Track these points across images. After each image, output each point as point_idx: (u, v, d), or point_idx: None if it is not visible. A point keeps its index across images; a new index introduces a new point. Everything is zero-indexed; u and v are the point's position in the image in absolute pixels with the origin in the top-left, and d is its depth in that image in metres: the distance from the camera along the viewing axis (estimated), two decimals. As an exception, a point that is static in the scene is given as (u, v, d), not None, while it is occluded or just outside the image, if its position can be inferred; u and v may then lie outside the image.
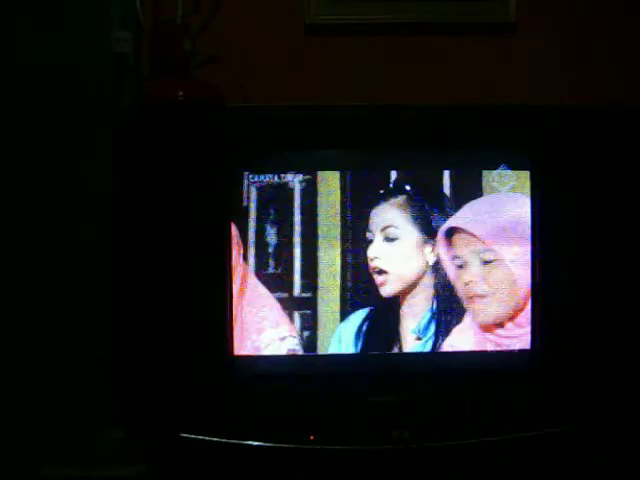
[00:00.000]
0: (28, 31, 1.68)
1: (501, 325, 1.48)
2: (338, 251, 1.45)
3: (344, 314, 1.47)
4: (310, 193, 1.45)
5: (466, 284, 1.46)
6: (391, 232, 1.45)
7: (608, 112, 1.51)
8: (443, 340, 1.48)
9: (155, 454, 1.53)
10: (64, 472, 1.52)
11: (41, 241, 1.68)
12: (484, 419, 1.48)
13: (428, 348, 1.48)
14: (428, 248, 1.47)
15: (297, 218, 1.45)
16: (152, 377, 1.48)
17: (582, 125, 1.50)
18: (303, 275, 1.45)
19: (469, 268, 1.46)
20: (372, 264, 1.46)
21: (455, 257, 1.46)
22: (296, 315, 1.47)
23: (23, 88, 1.68)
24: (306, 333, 1.46)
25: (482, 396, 1.49)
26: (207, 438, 1.47)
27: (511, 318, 1.48)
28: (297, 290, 1.46)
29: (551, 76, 1.74)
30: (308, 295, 1.46)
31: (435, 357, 1.50)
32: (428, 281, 1.47)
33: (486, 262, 1.47)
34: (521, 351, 1.50)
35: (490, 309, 1.48)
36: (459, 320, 1.48)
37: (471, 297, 1.47)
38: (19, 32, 1.68)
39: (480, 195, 1.48)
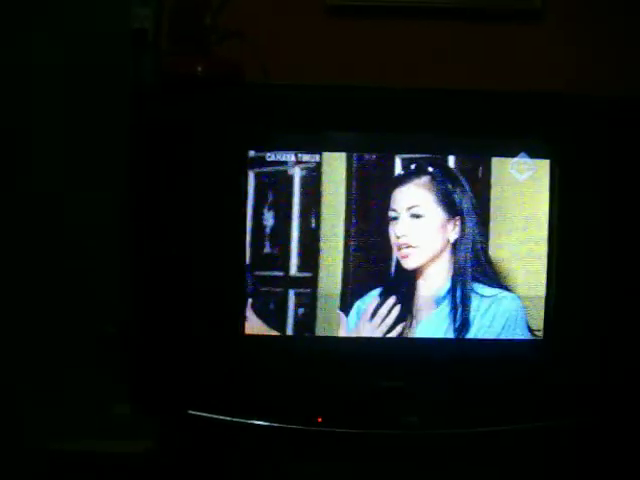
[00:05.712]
0: (46, 8, 1.68)
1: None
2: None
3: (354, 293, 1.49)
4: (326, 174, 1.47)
5: None
6: (417, 211, 1.48)
7: (633, 102, 1.50)
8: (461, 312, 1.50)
9: (162, 431, 1.53)
10: (72, 446, 1.53)
11: (53, 218, 1.68)
12: (493, 407, 1.48)
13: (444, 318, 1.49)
14: (450, 226, 1.48)
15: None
16: (160, 354, 1.48)
17: (605, 115, 1.49)
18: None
19: None
20: (400, 241, 1.48)
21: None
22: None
23: (41, 64, 1.68)
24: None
25: (493, 384, 1.48)
26: (214, 416, 1.47)
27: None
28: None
29: (576, 64, 1.72)
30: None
31: (445, 343, 1.50)
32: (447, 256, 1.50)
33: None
34: (534, 341, 1.50)
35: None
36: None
37: None
38: (38, 9, 1.67)
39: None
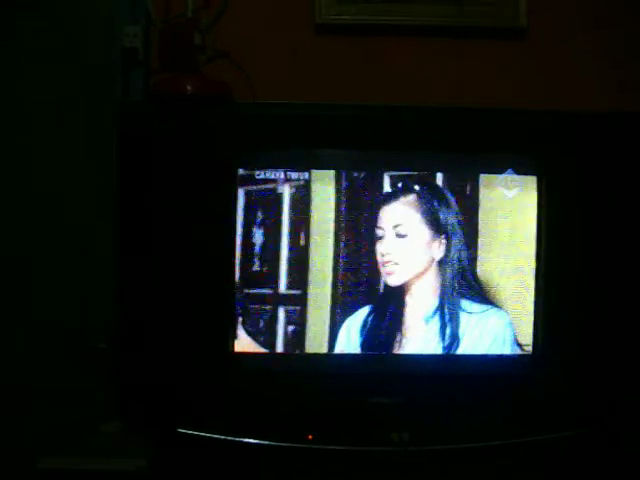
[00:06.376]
0: (39, 26, 1.69)
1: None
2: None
3: (344, 311, 1.49)
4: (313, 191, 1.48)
5: None
6: (401, 229, 1.49)
7: (617, 118, 1.51)
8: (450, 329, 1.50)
9: (153, 449, 1.53)
10: (62, 465, 1.52)
11: (44, 234, 1.68)
12: (484, 423, 1.48)
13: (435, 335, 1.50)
14: (435, 244, 1.49)
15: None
16: (150, 372, 1.48)
17: (591, 130, 1.50)
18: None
19: None
20: (384, 259, 1.49)
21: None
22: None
23: (32, 81, 1.69)
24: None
25: (483, 400, 1.49)
26: (204, 434, 1.47)
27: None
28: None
29: (560, 81, 1.74)
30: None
31: (434, 360, 1.50)
32: (434, 274, 1.51)
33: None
34: (523, 356, 1.50)
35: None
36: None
37: None
38: (30, 26, 1.68)
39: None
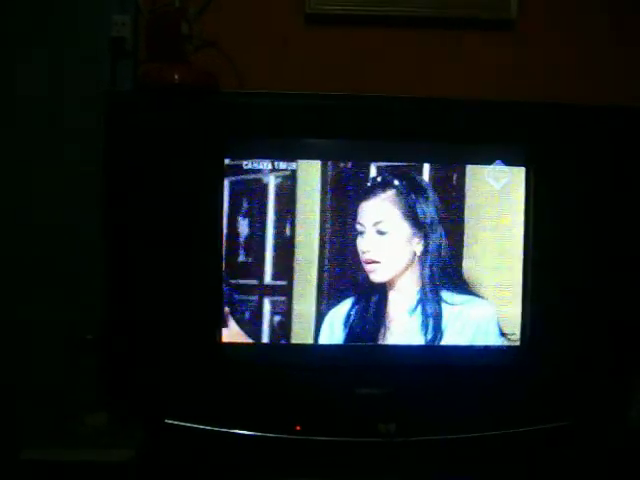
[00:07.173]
0: (27, 15, 1.68)
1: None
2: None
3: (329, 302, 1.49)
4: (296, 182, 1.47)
5: None
6: (382, 227, 1.48)
7: (606, 110, 1.51)
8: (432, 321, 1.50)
9: (141, 440, 1.53)
10: (48, 456, 1.51)
11: (32, 223, 1.68)
12: (470, 414, 1.48)
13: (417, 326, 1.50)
14: (416, 239, 1.49)
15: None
16: (138, 363, 1.48)
17: (580, 122, 1.50)
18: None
19: None
20: (365, 256, 1.48)
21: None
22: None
23: (19, 70, 1.68)
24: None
25: (469, 391, 1.49)
26: (192, 425, 1.47)
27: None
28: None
29: (549, 74, 1.73)
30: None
31: (421, 350, 1.50)
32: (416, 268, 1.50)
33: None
34: (510, 347, 1.50)
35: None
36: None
37: None
38: (18, 16, 1.68)
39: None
